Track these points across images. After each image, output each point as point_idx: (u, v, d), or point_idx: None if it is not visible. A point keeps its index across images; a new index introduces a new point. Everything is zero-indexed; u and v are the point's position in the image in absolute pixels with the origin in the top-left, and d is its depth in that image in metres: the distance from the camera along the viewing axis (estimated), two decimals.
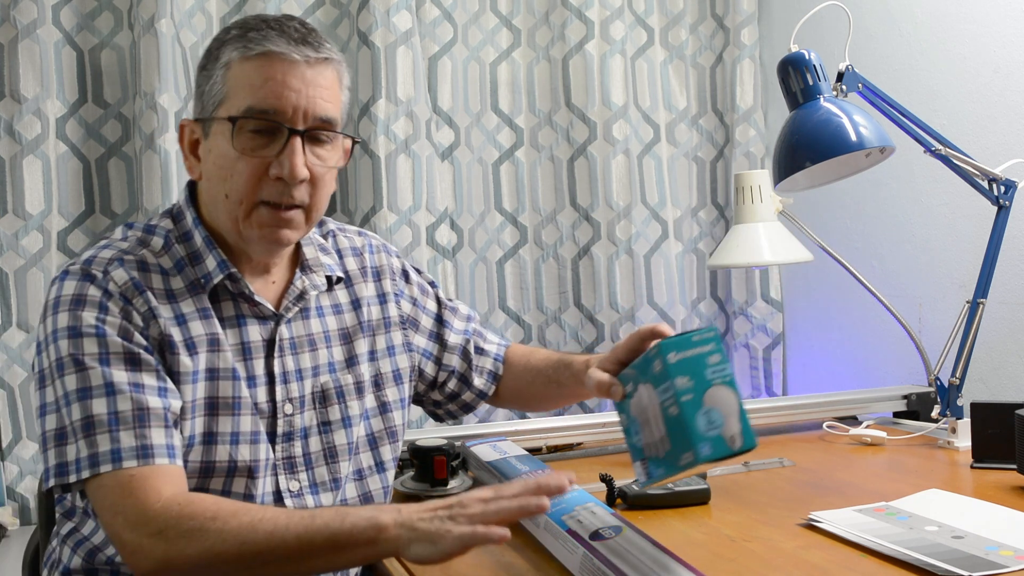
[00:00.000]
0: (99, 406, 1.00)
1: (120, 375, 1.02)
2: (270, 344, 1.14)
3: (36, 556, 1.31)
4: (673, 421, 0.93)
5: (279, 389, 1.13)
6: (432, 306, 1.35)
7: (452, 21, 2.06)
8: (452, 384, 1.35)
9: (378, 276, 1.28)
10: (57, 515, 1.17)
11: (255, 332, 1.13)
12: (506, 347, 1.40)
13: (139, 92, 1.80)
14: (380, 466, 1.22)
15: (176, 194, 1.78)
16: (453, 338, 1.34)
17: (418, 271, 1.36)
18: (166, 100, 1.79)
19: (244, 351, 1.12)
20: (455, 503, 0.94)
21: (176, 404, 1.05)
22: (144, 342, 1.04)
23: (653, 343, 1.00)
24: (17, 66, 1.76)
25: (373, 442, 1.22)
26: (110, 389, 1.01)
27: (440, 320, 1.34)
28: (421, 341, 1.32)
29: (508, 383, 1.37)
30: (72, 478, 0.99)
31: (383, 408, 1.23)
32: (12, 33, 1.76)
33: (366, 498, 1.20)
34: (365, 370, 1.23)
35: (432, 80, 2.05)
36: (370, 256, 1.29)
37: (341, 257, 1.26)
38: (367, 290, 1.26)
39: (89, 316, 1.03)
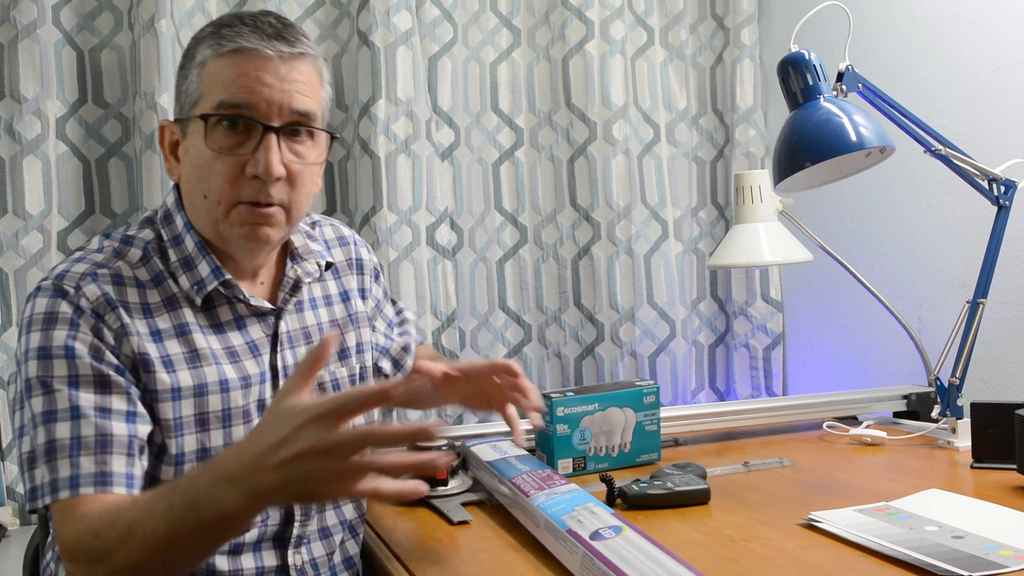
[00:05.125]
0: (63, 430, 0.98)
1: (87, 398, 0.99)
2: (273, 340, 1.14)
3: (36, 556, 1.30)
4: (648, 434, 1.52)
5: (283, 384, 1.13)
6: (390, 311, 1.38)
7: (452, 21, 2.06)
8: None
9: (361, 269, 1.30)
10: (52, 530, 1.15)
11: (256, 330, 1.13)
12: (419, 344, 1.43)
13: (139, 92, 1.80)
14: None
15: None
16: (398, 341, 1.38)
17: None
18: (166, 100, 1.79)
19: (251, 350, 1.11)
20: (294, 454, 0.81)
21: (144, 430, 1.02)
22: (115, 361, 1.02)
23: (646, 382, 1.52)
24: (17, 66, 1.76)
25: None
26: (75, 413, 0.98)
27: (391, 324, 1.38)
28: (379, 339, 1.34)
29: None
30: (39, 503, 0.98)
31: None
32: (12, 33, 1.76)
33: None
34: (355, 364, 1.23)
35: (432, 80, 2.04)
36: (354, 248, 1.31)
37: (328, 247, 1.27)
38: (352, 282, 1.27)
39: (59, 336, 1.00)
